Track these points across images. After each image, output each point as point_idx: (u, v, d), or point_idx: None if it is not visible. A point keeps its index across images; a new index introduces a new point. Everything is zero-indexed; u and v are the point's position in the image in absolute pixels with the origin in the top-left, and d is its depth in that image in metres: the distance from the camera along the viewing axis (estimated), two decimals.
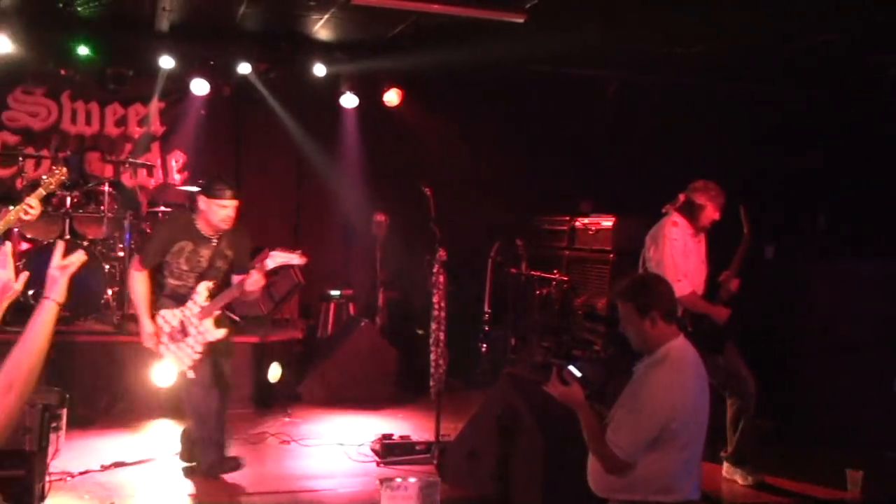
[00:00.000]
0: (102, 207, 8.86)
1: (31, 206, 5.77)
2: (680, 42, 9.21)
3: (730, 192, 6.46)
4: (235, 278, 6.03)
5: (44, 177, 6.06)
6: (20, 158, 9.19)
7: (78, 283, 8.38)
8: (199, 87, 10.17)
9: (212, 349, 5.96)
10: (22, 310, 8.45)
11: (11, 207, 5.79)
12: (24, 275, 3.24)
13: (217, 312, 5.97)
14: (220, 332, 5.96)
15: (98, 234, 8.91)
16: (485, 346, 9.73)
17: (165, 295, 6.09)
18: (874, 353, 7.85)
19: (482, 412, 6.24)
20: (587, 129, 10.74)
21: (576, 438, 4.38)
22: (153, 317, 6.01)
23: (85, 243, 8.63)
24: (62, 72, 10.12)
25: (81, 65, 9.91)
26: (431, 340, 6.98)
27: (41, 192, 5.92)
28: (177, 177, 10.80)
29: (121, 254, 8.97)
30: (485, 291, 9.76)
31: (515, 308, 9.97)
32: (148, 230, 9.48)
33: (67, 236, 8.60)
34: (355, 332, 9.07)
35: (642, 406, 4.09)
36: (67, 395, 5.64)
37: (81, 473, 6.02)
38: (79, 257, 3.06)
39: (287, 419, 7.96)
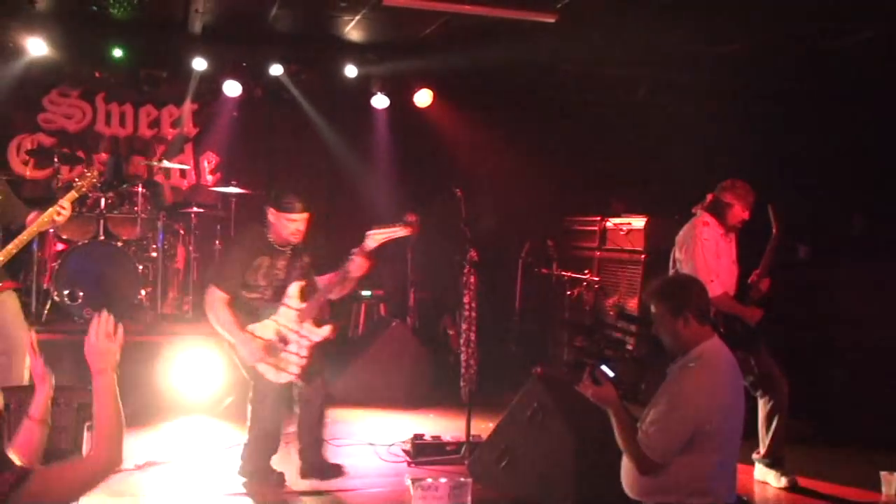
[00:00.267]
0: (136, 208, 8.95)
1: (64, 207, 5.85)
2: (713, 41, 9.16)
3: (761, 192, 6.41)
4: (320, 280, 5.97)
5: (76, 179, 6.13)
6: (56, 160, 9.29)
7: (112, 283, 8.49)
8: (232, 88, 10.25)
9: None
10: (58, 310, 8.59)
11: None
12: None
13: (315, 312, 5.90)
14: (325, 330, 5.89)
15: (132, 235, 8.99)
16: (515, 346, 9.72)
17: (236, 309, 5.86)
18: None
19: (513, 412, 6.23)
20: (618, 128, 10.70)
21: (607, 439, 4.36)
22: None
23: (119, 244, 8.71)
24: (96, 74, 10.22)
25: (115, 67, 10.02)
26: (462, 340, 6.98)
27: (73, 194, 6.00)
28: (209, 178, 10.87)
29: (154, 254, 9.05)
30: (515, 292, 9.76)
31: (546, 308, 9.95)
32: (181, 231, 9.58)
33: (102, 237, 8.69)
34: (386, 332, 9.07)
35: (675, 407, 4.07)
36: None
37: (115, 472, 6.06)
38: (121, 335, 3.11)
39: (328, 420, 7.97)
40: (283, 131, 11.09)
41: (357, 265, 5.77)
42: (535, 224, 10.35)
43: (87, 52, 9.89)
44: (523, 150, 10.91)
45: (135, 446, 6.67)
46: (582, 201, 10.60)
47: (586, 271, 9.72)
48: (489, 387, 8.80)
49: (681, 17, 8.42)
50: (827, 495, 6.34)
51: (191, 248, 9.62)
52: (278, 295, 5.84)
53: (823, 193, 9.75)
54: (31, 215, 6.07)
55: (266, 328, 5.77)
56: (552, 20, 8.34)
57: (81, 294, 8.29)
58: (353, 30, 9.52)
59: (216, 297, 5.76)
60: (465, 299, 6.90)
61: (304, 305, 5.81)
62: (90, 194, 8.83)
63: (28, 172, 9.94)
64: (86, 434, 5.42)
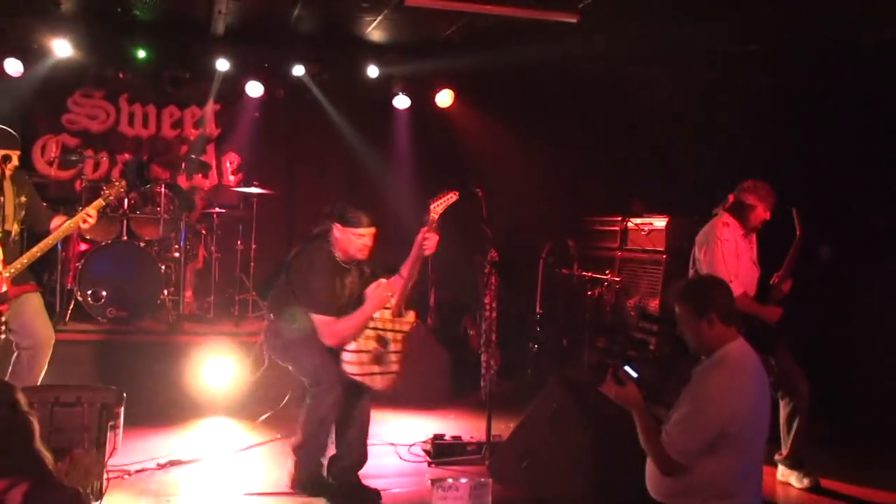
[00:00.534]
0: (158, 209, 9.00)
1: (90, 215, 5.98)
2: (736, 40, 9.12)
3: (783, 192, 6.39)
4: (402, 269, 5.84)
5: (104, 188, 6.20)
6: (79, 161, 9.36)
7: (134, 283, 8.55)
8: (254, 89, 10.30)
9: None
10: (81, 310, 8.66)
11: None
12: None
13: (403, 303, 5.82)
14: (411, 316, 5.85)
15: (154, 235, 9.05)
16: (536, 346, 9.71)
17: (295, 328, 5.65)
18: None
19: (533, 413, 6.23)
20: (640, 128, 10.67)
21: (628, 439, 4.36)
22: None
23: (141, 244, 8.77)
24: (120, 75, 10.29)
25: (139, 68, 10.08)
26: (482, 341, 6.99)
27: (100, 202, 6.09)
28: (231, 178, 10.92)
29: (176, 255, 9.10)
30: (536, 292, 9.75)
31: (566, 309, 9.94)
32: (203, 231, 9.62)
33: (125, 237, 8.75)
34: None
35: (699, 409, 4.06)
36: (124, 394, 5.72)
37: (138, 471, 6.11)
38: None
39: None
40: (304, 132, 11.13)
41: (430, 243, 5.76)
42: (556, 224, 10.33)
43: (112, 54, 9.95)
44: (544, 150, 10.89)
45: (156, 446, 6.73)
46: (603, 201, 10.57)
47: (607, 272, 9.70)
48: (509, 387, 8.83)
49: (703, 17, 8.40)
50: (850, 497, 6.31)
51: (213, 248, 9.67)
52: (354, 309, 5.69)
53: (845, 193, 9.68)
54: (55, 221, 6.13)
55: (367, 340, 5.71)
56: (574, 20, 8.33)
57: (104, 294, 8.34)
58: (374, 30, 9.54)
59: (326, 320, 5.54)
60: (486, 299, 6.91)
61: (393, 300, 5.77)
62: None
63: (52, 173, 10.03)
64: (109, 433, 5.46)
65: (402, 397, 8.48)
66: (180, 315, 8.79)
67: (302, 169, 11.11)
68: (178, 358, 8.09)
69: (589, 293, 9.61)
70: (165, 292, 8.80)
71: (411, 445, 7.09)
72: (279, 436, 7.15)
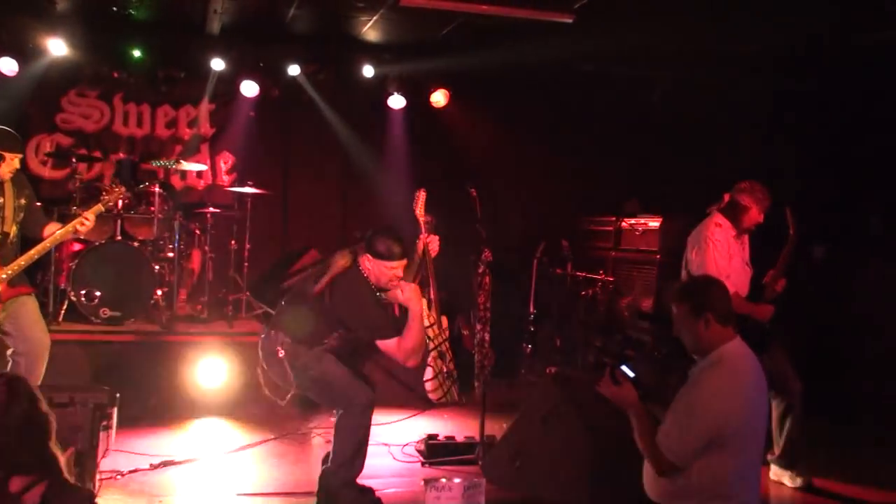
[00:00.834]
0: (152, 209, 8.99)
1: (88, 219, 5.96)
2: (731, 41, 9.13)
3: (778, 192, 6.39)
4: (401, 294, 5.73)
5: (104, 194, 6.21)
6: (73, 160, 9.35)
7: (128, 283, 8.52)
8: (249, 88, 10.29)
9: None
10: (73, 309, 8.64)
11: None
12: None
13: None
14: (444, 321, 5.98)
15: (148, 235, 9.03)
16: (529, 346, 9.72)
17: (324, 349, 5.52)
18: None
19: (527, 412, 6.23)
20: (634, 128, 10.69)
21: (622, 439, 4.36)
22: None
23: (135, 244, 8.75)
24: (114, 74, 10.27)
25: (133, 67, 10.07)
26: (476, 340, 6.98)
27: (99, 207, 6.10)
28: (225, 178, 10.91)
29: (170, 254, 9.09)
30: (529, 292, 9.75)
31: (560, 309, 9.94)
32: (197, 231, 9.60)
33: (118, 237, 8.74)
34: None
35: (694, 409, 4.05)
36: (117, 395, 5.71)
37: (131, 472, 6.10)
38: None
39: (333, 419, 7.99)
40: (299, 131, 11.12)
41: (432, 244, 6.14)
42: (550, 224, 10.35)
43: (106, 53, 9.94)
44: (539, 151, 10.91)
45: (149, 446, 6.72)
46: (597, 201, 10.59)
47: (601, 271, 9.72)
48: (503, 387, 8.84)
49: (698, 17, 8.40)
50: (842, 496, 6.33)
51: (206, 248, 9.66)
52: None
53: (841, 193, 9.70)
54: (49, 229, 6.11)
55: (435, 361, 5.67)
56: (569, 20, 8.33)
57: (98, 294, 8.32)
58: (369, 30, 9.54)
59: (394, 342, 5.44)
60: (480, 299, 6.90)
61: (433, 316, 5.74)
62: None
63: (46, 172, 10.02)
64: (101, 434, 5.45)
65: (396, 397, 8.53)
66: (174, 315, 8.77)
67: (296, 169, 11.09)
68: (171, 358, 8.08)
69: (583, 293, 9.63)
70: (159, 292, 8.78)
71: (405, 445, 7.09)
72: (273, 436, 7.16)
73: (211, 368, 8.04)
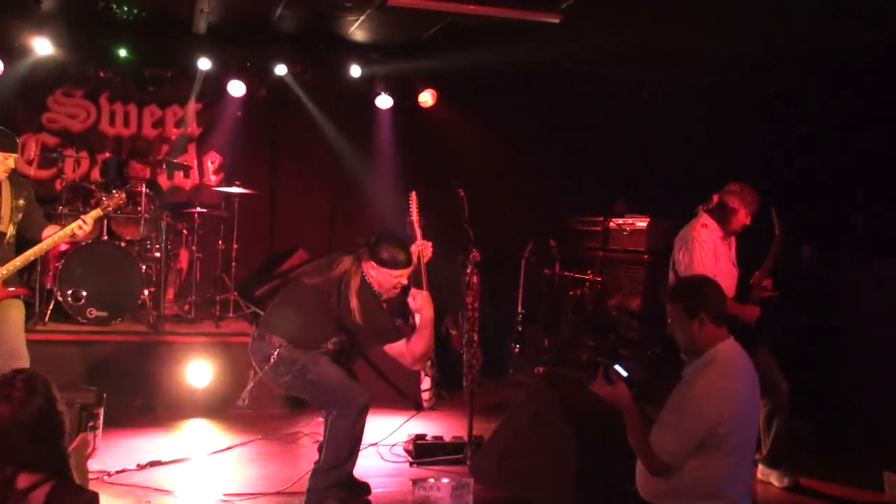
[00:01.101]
0: (139, 209, 8.96)
1: (86, 222, 5.94)
2: (717, 42, 9.16)
3: (764, 192, 6.39)
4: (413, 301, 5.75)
5: (103, 199, 6.22)
6: (59, 160, 9.32)
7: (114, 283, 8.51)
8: (236, 88, 10.26)
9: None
10: (59, 309, 8.61)
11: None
12: None
13: None
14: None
15: (135, 235, 9.00)
16: (517, 346, 9.73)
17: (321, 353, 5.47)
18: None
19: (515, 412, 6.24)
20: (622, 128, 10.70)
21: (609, 439, 4.36)
22: None
23: (122, 244, 8.73)
24: (100, 74, 10.23)
25: (120, 67, 10.03)
26: (464, 341, 6.98)
27: (98, 212, 6.12)
28: (212, 178, 10.88)
29: (157, 254, 9.06)
30: (517, 292, 9.76)
31: (548, 308, 9.96)
32: (184, 231, 9.58)
33: (105, 237, 8.72)
34: None
35: (687, 409, 4.06)
36: (104, 395, 5.69)
37: (118, 472, 6.07)
38: None
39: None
40: (286, 131, 11.10)
41: (426, 250, 6.10)
42: (538, 224, 10.36)
43: (92, 52, 9.90)
44: (526, 151, 10.92)
45: (137, 447, 6.70)
46: (585, 202, 10.60)
47: (589, 271, 9.73)
48: (491, 387, 8.84)
49: (684, 18, 8.42)
50: (829, 496, 6.35)
51: (193, 248, 9.63)
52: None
53: (827, 193, 9.74)
54: (47, 231, 6.10)
55: (429, 369, 5.67)
56: (556, 20, 8.34)
57: (84, 294, 8.30)
58: (357, 30, 9.54)
59: (400, 345, 5.44)
60: (468, 299, 6.90)
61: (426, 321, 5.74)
62: (95, 194, 8.86)
63: (32, 172, 9.97)
64: (88, 434, 5.44)
65: (384, 397, 8.52)
66: (161, 315, 8.75)
67: (284, 169, 11.08)
68: (158, 358, 8.06)
69: (571, 293, 9.65)
70: (146, 292, 8.76)
71: (393, 446, 7.08)
72: (260, 437, 7.14)
73: (198, 368, 8.02)
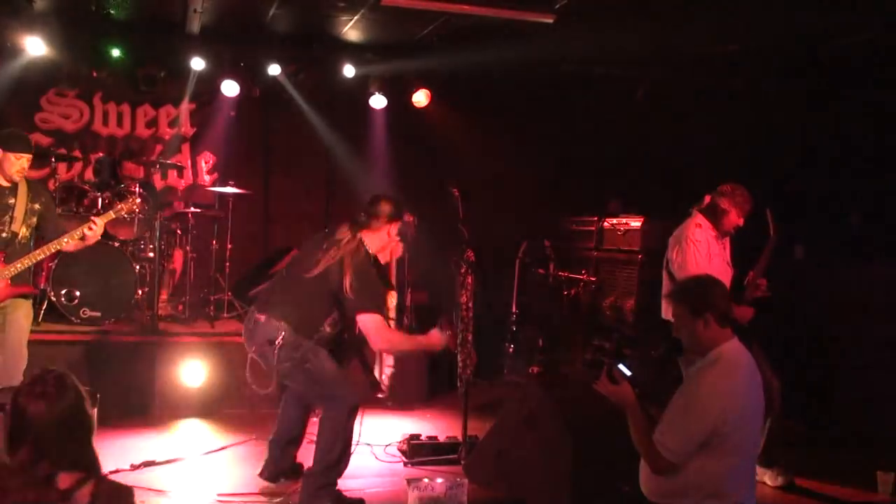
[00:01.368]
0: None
1: (96, 223, 6.03)
2: (712, 42, 9.16)
3: (759, 192, 6.40)
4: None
5: (117, 202, 6.30)
6: (52, 160, 9.30)
7: (108, 283, 8.49)
8: (230, 88, 10.22)
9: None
10: (53, 310, 8.59)
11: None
12: None
13: None
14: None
15: (128, 235, 8.98)
16: (512, 346, 9.72)
17: (319, 343, 5.55)
18: None
19: (509, 413, 6.24)
20: (616, 129, 10.70)
21: (603, 439, 4.36)
22: None
23: (115, 244, 8.71)
24: (94, 74, 10.21)
25: (113, 67, 10.00)
26: (458, 341, 6.98)
27: (111, 215, 6.18)
28: (206, 178, 10.86)
29: (150, 254, 9.05)
30: (512, 292, 9.75)
31: (542, 309, 9.95)
32: (178, 231, 9.57)
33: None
34: None
35: (691, 408, 4.06)
36: (98, 395, 5.67)
37: (112, 473, 6.05)
38: None
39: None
40: (280, 131, 11.08)
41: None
42: (533, 224, 10.34)
43: (85, 52, 9.86)
44: (520, 151, 10.91)
45: (130, 447, 6.69)
46: (579, 202, 10.59)
47: (583, 271, 9.73)
48: (485, 387, 8.84)
49: (679, 18, 8.42)
50: (823, 495, 6.37)
51: (187, 248, 9.62)
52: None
53: (821, 192, 9.76)
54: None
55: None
56: (550, 20, 8.34)
57: (78, 294, 8.29)
58: (351, 30, 9.52)
59: (381, 323, 5.53)
60: (462, 299, 6.90)
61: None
62: (88, 194, 8.85)
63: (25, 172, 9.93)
64: None
65: (378, 397, 8.53)
66: (155, 315, 8.73)
67: (278, 169, 11.06)
68: (152, 358, 8.06)
69: (565, 293, 9.64)
70: (140, 292, 8.75)
71: (387, 446, 7.09)
72: (254, 437, 7.13)
73: (192, 368, 8.02)
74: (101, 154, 10.19)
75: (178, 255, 9.76)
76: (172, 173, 10.70)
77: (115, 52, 9.71)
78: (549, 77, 10.55)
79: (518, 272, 9.76)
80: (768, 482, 6.40)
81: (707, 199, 6.41)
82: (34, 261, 6.02)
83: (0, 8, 9.05)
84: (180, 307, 9.38)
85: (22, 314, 6.07)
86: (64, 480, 2.90)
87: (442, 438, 6.98)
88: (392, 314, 5.51)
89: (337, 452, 5.47)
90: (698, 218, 6.35)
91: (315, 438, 5.65)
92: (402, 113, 10.88)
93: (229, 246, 9.55)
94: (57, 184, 8.89)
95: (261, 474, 6.03)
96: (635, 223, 9.33)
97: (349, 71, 10.33)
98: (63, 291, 8.26)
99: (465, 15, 8.34)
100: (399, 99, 10.77)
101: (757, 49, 9.28)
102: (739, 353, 4.22)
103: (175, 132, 10.73)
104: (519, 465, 5.90)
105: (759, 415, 4.25)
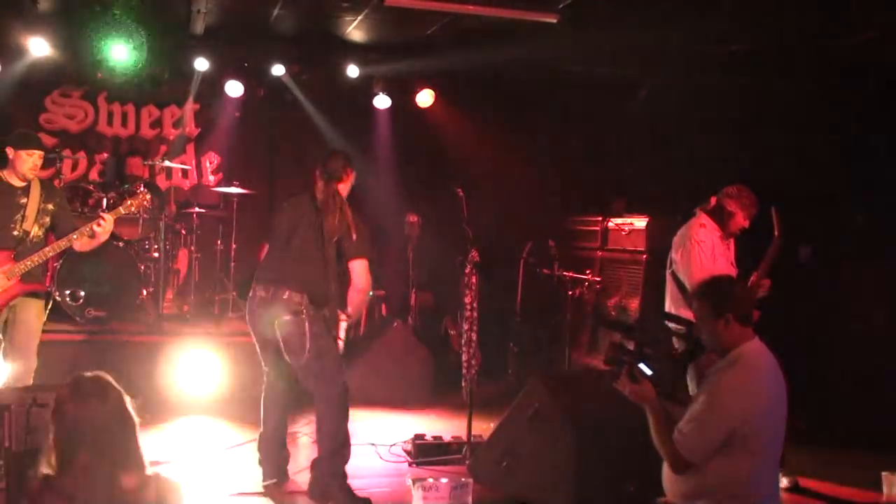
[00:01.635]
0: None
1: (105, 219, 6.05)
2: (715, 42, 9.15)
3: (764, 192, 6.38)
4: None
5: (127, 198, 6.31)
6: (57, 160, 9.31)
7: (113, 283, 8.48)
8: (234, 88, 10.24)
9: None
10: (58, 310, 8.59)
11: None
12: None
13: None
14: None
15: (133, 235, 9.00)
16: (516, 346, 9.73)
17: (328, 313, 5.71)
18: None
19: (514, 412, 6.23)
20: (620, 128, 10.69)
21: (608, 439, 4.36)
22: None
23: (120, 244, 8.73)
24: (98, 74, 10.22)
25: (117, 67, 9.99)
26: (463, 341, 6.99)
27: (120, 211, 6.24)
28: (211, 178, 10.88)
29: (155, 254, 9.06)
30: (516, 292, 9.76)
31: (547, 308, 9.95)
32: (183, 231, 9.58)
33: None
34: (388, 332, 9.08)
35: (712, 407, 4.05)
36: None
37: None
38: None
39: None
40: (284, 132, 11.10)
41: None
42: (537, 224, 10.34)
43: (89, 53, 9.87)
44: (525, 151, 10.91)
45: None
46: (584, 201, 10.60)
47: (588, 271, 9.72)
48: (490, 387, 8.84)
49: (683, 18, 8.41)
50: (828, 496, 6.36)
51: (192, 248, 9.64)
52: None
53: (825, 192, 9.74)
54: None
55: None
56: (554, 20, 8.34)
57: (83, 294, 8.30)
58: (354, 30, 9.52)
59: (368, 266, 5.75)
60: (467, 299, 6.91)
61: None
62: (93, 194, 8.87)
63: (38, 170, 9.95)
64: None
65: (383, 397, 8.53)
66: (160, 315, 8.75)
67: (282, 169, 11.08)
68: (157, 358, 8.07)
69: (570, 293, 9.63)
70: (145, 292, 8.76)
71: (392, 445, 7.10)
72: None
73: (198, 368, 8.02)
74: (105, 154, 10.20)
75: (184, 256, 9.78)
76: (177, 173, 10.72)
77: (120, 53, 9.71)
78: (553, 77, 10.54)
79: (522, 272, 9.76)
80: None
81: (713, 200, 6.38)
82: (44, 258, 6.05)
83: (3, 9, 9.06)
84: (185, 307, 9.40)
85: (33, 314, 6.06)
86: (128, 480, 2.91)
87: (447, 438, 6.97)
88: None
89: (342, 434, 5.54)
90: (702, 218, 6.32)
91: (315, 437, 5.66)
92: (406, 113, 10.89)
93: (234, 246, 9.57)
94: (62, 184, 8.90)
95: (264, 478, 6.00)
96: (640, 223, 9.32)
97: (353, 71, 10.34)
98: (68, 291, 8.27)
99: (469, 15, 8.34)
100: (403, 99, 10.78)
101: (761, 48, 9.26)
102: (760, 354, 4.21)
103: (180, 132, 10.76)
104: (524, 465, 5.90)
105: (782, 416, 4.24)
